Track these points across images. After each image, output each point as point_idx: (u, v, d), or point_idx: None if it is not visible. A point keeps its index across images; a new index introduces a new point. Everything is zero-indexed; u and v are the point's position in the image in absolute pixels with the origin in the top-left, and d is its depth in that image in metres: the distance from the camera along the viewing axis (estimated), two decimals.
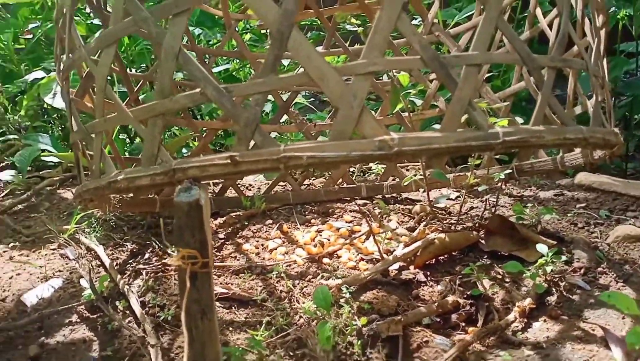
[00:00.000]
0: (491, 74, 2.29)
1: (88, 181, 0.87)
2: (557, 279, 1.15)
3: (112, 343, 1.01)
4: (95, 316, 1.08)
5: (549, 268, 1.12)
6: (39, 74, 2.05)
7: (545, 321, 1.05)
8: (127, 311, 1.09)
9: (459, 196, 1.61)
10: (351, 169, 1.83)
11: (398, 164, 1.69)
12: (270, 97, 2.00)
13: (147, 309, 1.09)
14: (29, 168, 1.81)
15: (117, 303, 1.10)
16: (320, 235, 1.37)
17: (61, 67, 0.95)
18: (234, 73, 2.45)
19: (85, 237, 1.32)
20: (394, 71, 1.38)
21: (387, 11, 0.67)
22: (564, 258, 1.19)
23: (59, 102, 1.83)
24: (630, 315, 0.88)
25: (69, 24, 0.86)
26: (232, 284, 1.17)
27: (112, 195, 1.28)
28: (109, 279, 1.13)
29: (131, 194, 1.34)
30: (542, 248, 1.14)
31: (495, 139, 0.69)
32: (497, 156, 1.36)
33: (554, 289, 1.13)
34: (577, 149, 1.26)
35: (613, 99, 2.36)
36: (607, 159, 1.08)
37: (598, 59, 0.95)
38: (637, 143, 2.44)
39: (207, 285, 0.73)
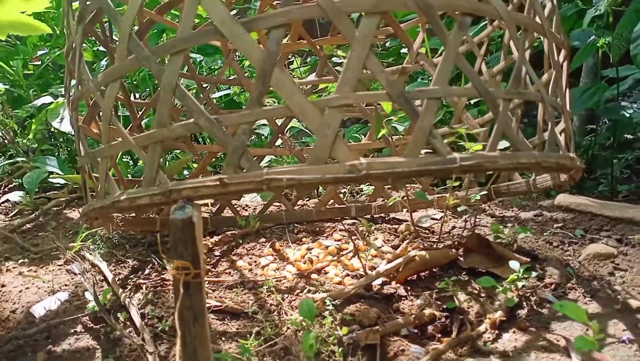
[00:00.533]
0: (479, 99, 2.40)
1: (94, 201, 0.96)
2: (529, 294, 1.24)
3: (114, 351, 1.10)
4: (98, 326, 1.16)
5: (520, 283, 1.21)
6: (47, 99, 2.16)
7: (514, 332, 1.13)
8: (128, 322, 1.17)
9: (443, 217, 1.69)
10: (342, 190, 1.92)
11: (386, 186, 1.78)
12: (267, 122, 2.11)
13: (146, 320, 1.18)
14: (37, 189, 1.90)
15: (118, 314, 1.19)
16: (310, 253, 1.46)
17: (70, 98, 1.05)
18: (234, 98, 2.56)
19: (90, 254, 1.41)
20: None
21: (357, 51, 0.77)
22: (535, 274, 1.27)
23: (66, 127, 1.94)
24: (581, 323, 0.96)
25: (79, 60, 0.96)
26: (225, 298, 1.26)
27: (116, 215, 1.37)
28: (111, 293, 1.21)
29: (133, 214, 1.44)
30: (514, 264, 1.22)
31: (452, 164, 0.79)
32: (474, 178, 1.45)
33: (525, 303, 1.22)
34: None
35: (596, 124, 2.47)
36: (571, 182, 1.17)
37: (556, 89, 1.05)
38: (627, 164, 2.53)
39: (198, 293, 0.82)
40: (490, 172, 1.38)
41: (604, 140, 2.27)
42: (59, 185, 2.02)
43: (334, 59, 2.46)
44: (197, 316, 0.84)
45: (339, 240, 1.55)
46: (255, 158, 1.72)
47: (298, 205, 1.87)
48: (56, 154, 2.31)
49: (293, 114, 0.74)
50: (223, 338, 1.14)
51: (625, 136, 2.40)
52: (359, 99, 0.79)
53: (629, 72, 2.40)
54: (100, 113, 1.07)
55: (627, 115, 2.13)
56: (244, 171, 0.78)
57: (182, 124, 0.80)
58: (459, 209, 1.54)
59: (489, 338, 1.12)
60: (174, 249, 0.79)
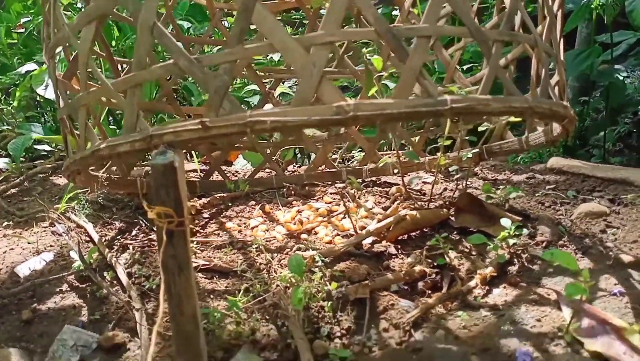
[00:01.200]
0: (472, 64, 2.38)
1: (74, 154, 0.94)
2: (520, 251, 1.22)
3: (100, 309, 1.08)
4: (84, 285, 1.14)
5: (512, 241, 1.19)
6: (31, 66, 2.11)
7: (505, 287, 1.12)
8: (115, 281, 1.15)
9: (435, 177, 1.68)
10: (333, 155, 1.90)
11: (378, 151, 1.76)
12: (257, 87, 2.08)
13: (133, 279, 1.16)
14: (24, 158, 1.87)
15: (105, 273, 1.17)
16: (300, 214, 1.44)
17: (48, 47, 1.02)
18: None
19: (75, 215, 1.38)
20: (367, 56, 1.45)
21: None
22: (527, 232, 1.26)
23: (50, 94, 1.90)
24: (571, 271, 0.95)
25: (53, 5, 0.93)
26: (214, 257, 1.24)
27: (101, 175, 1.35)
28: (97, 252, 1.19)
29: (119, 175, 1.41)
30: (505, 222, 1.21)
31: (443, 106, 0.76)
32: (467, 137, 1.43)
33: (515, 260, 1.20)
34: (539, 128, 1.33)
35: (589, 95, 2.44)
36: (564, 136, 1.15)
37: (550, 36, 1.02)
38: (619, 135, 2.52)
39: (182, 243, 0.79)
40: (483, 130, 1.36)
41: (598, 106, 2.25)
42: (45, 153, 1.99)
43: None
44: (181, 266, 0.81)
45: (330, 203, 1.53)
46: None
47: (289, 171, 1.85)
48: (41, 121, 2.27)
49: (275, 51, 0.72)
50: (212, 296, 1.12)
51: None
52: (345, 36, 0.77)
53: (622, 38, 2.37)
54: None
55: (621, 78, 2.11)
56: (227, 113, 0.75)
57: (161, 65, 0.77)
58: (450, 169, 1.52)
59: (479, 293, 1.11)
60: (155, 195, 0.76)
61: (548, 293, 1.08)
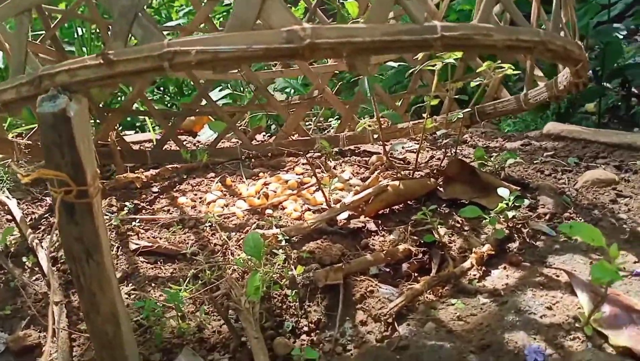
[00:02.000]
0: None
1: None
2: (520, 225, 1.05)
3: (14, 302, 0.89)
4: None
5: (510, 214, 1.02)
6: None
7: (505, 268, 0.95)
8: (36, 268, 0.96)
9: (420, 143, 1.49)
10: (307, 122, 1.70)
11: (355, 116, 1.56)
12: None
13: (59, 265, 0.96)
14: None
15: (24, 258, 0.97)
16: (267, 188, 1.25)
17: None
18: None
19: None
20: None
21: None
22: (527, 203, 1.09)
23: None
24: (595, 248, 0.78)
25: None
26: (159, 238, 1.05)
27: (20, 141, 1.14)
28: (14, 233, 0.99)
29: None
30: (503, 192, 1.03)
31: (432, 34, 0.57)
32: (457, 96, 1.24)
33: (516, 235, 1.03)
34: (540, 83, 1.15)
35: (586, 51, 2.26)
36: (573, 88, 0.97)
37: None
38: (612, 105, 2.35)
39: (89, 220, 0.60)
40: (475, 85, 1.17)
41: (594, 68, 2.07)
42: None
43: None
44: (90, 250, 0.62)
45: (301, 174, 1.34)
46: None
47: (257, 140, 1.65)
48: None
49: None
50: (153, 284, 0.93)
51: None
52: None
53: None
54: None
55: (621, 37, 1.93)
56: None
57: None
58: (438, 133, 1.34)
59: (475, 275, 0.93)
60: (47, 156, 0.57)
61: (557, 273, 0.90)
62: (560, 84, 1.04)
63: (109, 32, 1.47)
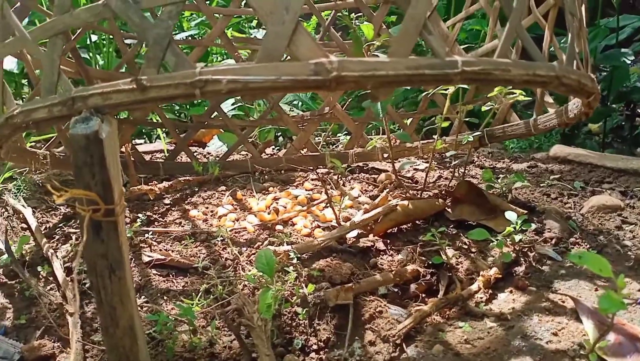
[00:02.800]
0: (468, 45, 2.20)
1: None
2: (527, 249, 1.07)
3: (29, 311, 0.90)
4: (13, 281, 0.96)
5: (517, 237, 1.03)
6: None
7: (511, 292, 0.97)
8: (51, 278, 0.97)
9: (428, 167, 1.51)
10: (317, 139, 1.72)
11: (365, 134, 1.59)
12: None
13: (73, 276, 0.98)
14: None
15: (39, 268, 0.98)
16: (277, 203, 1.27)
17: None
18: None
19: (13, 198, 1.19)
20: (356, 21, 1.27)
21: None
22: (533, 226, 1.10)
23: None
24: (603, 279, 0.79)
25: None
26: (172, 250, 1.06)
27: (40, 152, 1.16)
28: (29, 242, 1.01)
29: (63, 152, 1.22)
30: (511, 215, 1.05)
31: (452, 69, 0.59)
32: (467, 119, 1.26)
33: (522, 259, 1.05)
34: (550, 110, 1.17)
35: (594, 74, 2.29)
36: (583, 117, 0.99)
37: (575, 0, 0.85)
38: (615, 125, 2.37)
39: (114, 238, 0.62)
40: (485, 109, 1.19)
41: (601, 89, 2.09)
42: None
43: None
44: (114, 267, 0.64)
45: (311, 190, 1.36)
46: None
47: (266, 154, 1.67)
48: None
49: None
50: (165, 297, 0.95)
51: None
52: None
53: (627, 22, 2.22)
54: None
55: (629, 62, 1.95)
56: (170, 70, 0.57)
57: (89, 7, 0.59)
58: (447, 154, 1.36)
59: (482, 298, 0.95)
60: (77, 176, 0.59)
61: (562, 299, 0.92)
62: (570, 112, 1.06)
63: (124, 42, 1.50)
